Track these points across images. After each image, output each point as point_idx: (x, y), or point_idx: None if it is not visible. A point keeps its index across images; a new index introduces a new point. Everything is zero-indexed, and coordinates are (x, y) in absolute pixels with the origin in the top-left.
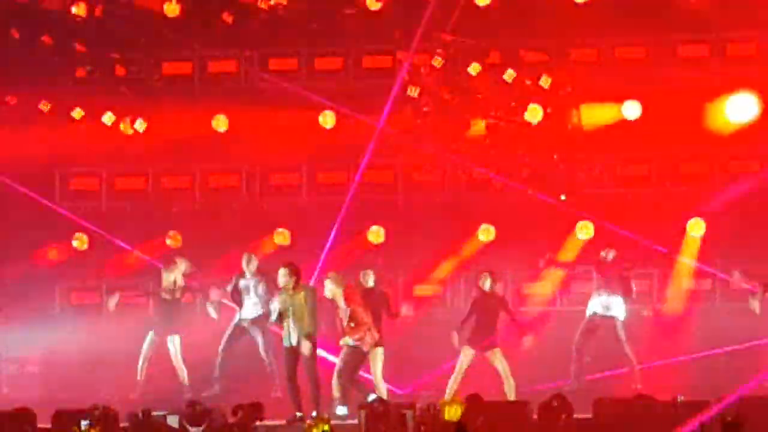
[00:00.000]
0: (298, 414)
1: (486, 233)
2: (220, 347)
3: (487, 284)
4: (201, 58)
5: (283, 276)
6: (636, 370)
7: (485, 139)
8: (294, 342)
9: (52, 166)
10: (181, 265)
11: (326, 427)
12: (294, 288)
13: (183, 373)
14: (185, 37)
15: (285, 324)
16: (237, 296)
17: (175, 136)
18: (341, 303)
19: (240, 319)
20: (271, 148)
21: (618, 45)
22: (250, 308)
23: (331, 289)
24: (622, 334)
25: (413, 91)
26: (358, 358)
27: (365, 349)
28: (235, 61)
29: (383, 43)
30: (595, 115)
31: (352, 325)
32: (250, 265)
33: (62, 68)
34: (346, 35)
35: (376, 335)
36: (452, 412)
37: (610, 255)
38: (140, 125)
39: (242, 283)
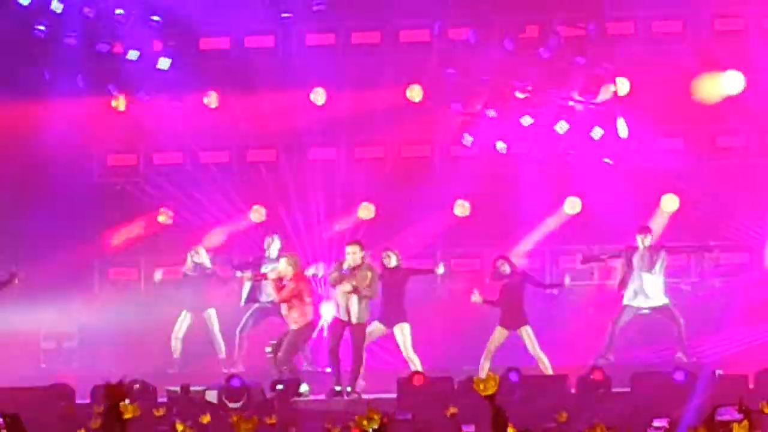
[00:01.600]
0: (337, 388)
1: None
2: (238, 329)
3: (506, 269)
4: (238, 32)
5: (354, 253)
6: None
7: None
8: (345, 317)
9: (88, 145)
10: (202, 252)
11: (378, 422)
12: (359, 265)
13: (220, 346)
14: (223, 13)
15: (339, 298)
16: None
17: (212, 112)
18: (289, 281)
19: (261, 302)
20: (307, 123)
21: (655, 18)
22: (270, 291)
23: (285, 267)
24: (676, 313)
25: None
26: (305, 337)
27: (295, 327)
28: (272, 36)
29: (420, 17)
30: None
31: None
32: (271, 248)
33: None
34: (383, 9)
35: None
36: (486, 387)
37: (646, 240)
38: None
39: (264, 265)
